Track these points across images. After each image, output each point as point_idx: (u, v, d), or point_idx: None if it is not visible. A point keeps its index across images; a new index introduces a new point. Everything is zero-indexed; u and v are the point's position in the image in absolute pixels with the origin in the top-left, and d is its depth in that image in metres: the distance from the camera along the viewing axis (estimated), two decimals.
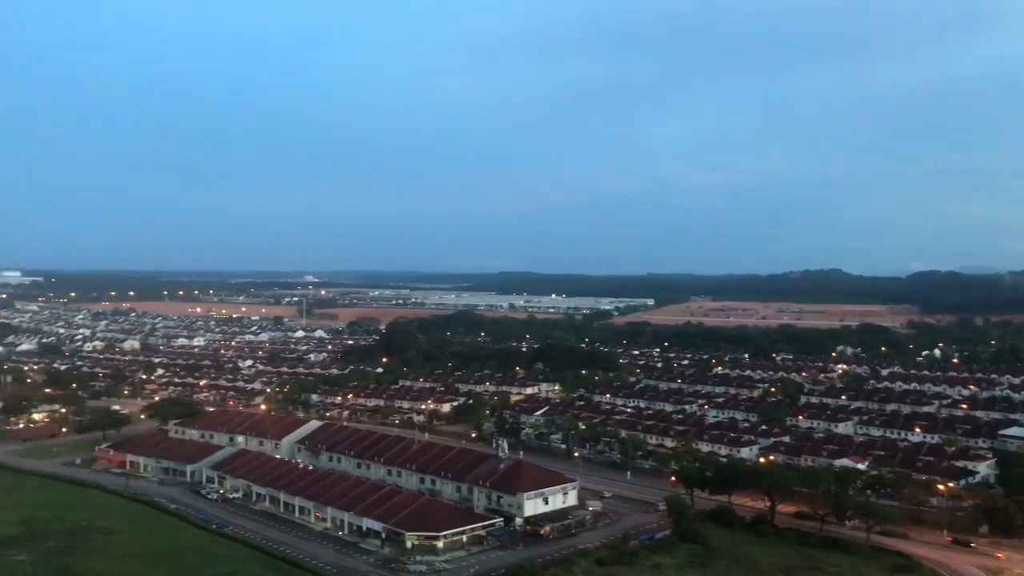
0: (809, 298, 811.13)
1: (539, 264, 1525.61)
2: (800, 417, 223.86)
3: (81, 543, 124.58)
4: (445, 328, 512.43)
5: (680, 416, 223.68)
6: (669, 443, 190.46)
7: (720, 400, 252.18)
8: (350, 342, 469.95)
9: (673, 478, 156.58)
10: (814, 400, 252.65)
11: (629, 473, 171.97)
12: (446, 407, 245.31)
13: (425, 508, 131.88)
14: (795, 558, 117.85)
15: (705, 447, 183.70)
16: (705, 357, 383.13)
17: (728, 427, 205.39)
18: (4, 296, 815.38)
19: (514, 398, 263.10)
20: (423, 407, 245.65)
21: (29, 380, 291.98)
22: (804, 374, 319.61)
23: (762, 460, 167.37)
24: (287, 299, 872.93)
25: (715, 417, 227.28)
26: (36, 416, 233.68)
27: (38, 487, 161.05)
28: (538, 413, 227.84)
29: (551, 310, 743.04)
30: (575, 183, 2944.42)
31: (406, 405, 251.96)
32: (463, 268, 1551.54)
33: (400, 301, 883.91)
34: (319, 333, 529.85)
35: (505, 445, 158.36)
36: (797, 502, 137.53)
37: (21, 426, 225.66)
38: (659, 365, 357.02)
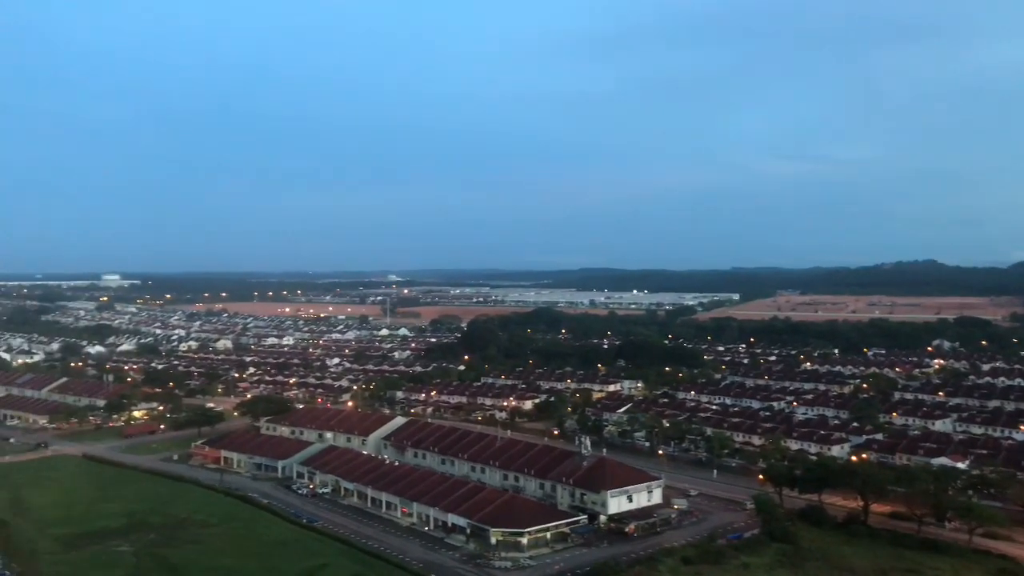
0: (902, 290, 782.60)
1: (620, 260, 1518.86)
2: (894, 414, 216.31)
3: (179, 535, 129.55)
4: (526, 325, 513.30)
5: (767, 413, 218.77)
6: (756, 441, 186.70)
7: (809, 397, 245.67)
8: (432, 340, 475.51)
9: (761, 476, 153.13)
10: (909, 396, 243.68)
11: (715, 471, 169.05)
12: (528, 404, 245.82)
13: (509, 504, 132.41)
14: (891, 560, 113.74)
15: (794, 445, 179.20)
16: (793, 353, 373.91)
17: (818, 424, 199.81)
18: (105, 299, 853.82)
19: (596, 395, 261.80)
20: (505, 404, 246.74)
21: (129, 379, 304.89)
22: (898, 369, 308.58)
23: (854, 458, 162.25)
24: (371, 298, 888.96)
25: (804, 414, 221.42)
26: (136, 414, 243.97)
27: (139, 481, 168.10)
28: (621, 410, 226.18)
29: (632, 306, 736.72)
30: (657, 177, 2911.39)
31: (488, 402, 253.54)
32: (543, 265, 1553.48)
33: (481, 299, 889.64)
34: (402, 331, 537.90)
35: (588, 442, 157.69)
36: (892, 502, 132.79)
37: (123, 423, 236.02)
38: (745, 361, 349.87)
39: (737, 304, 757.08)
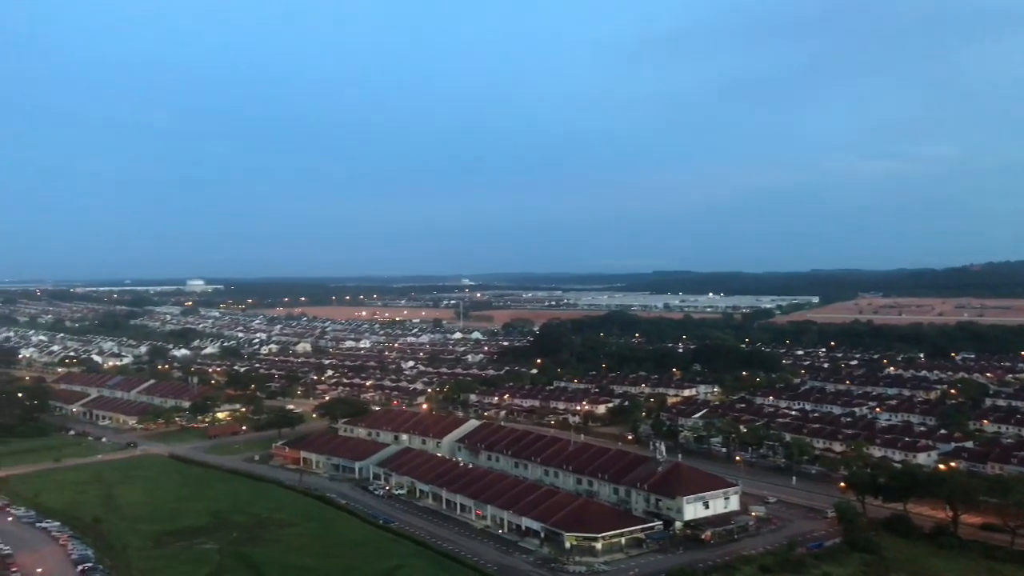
0: (993, 292, 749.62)
1: (695, 262, 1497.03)
2: (985, 421, 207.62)
3: (261, 534, 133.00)
4: (599, 329, 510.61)
5: (849, 419, 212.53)
6: (837, 447, 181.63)
7: (893, 402, 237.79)
8: (505, 343, 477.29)
9: (842, 484, 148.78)
10: (1001, 403, 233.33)
11: (794, 478, 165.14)
12: (601, 408, 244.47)
13: (583, 509, 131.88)
14: (982, 572, 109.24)
15: (877, 452, 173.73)
16: (875, 357, 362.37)
17: (902, 431, 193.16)
18: (190, 303, 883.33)
19: (671, 400, 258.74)
20: (578, 408, 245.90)
21: (213, 381, 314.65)
22: (989, 375, 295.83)
23: (942, 466, 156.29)
24: (445, 302, 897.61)
25: (887, 420, 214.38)
26: (220, 415, 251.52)
27: (222, 481, 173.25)
28: (696, 415, 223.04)
29: (708, 309, 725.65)
30: (731, 178, 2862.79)
31: (561, 406, 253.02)
32: (616, 268, 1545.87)
33: (553, 302, 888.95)
34: (475, 335, 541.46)
35: (663, 447, 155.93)
36: (984, 512, 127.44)
37: (207, 424, 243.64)
38: (825, 366, 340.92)
39: (816, 307, 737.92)
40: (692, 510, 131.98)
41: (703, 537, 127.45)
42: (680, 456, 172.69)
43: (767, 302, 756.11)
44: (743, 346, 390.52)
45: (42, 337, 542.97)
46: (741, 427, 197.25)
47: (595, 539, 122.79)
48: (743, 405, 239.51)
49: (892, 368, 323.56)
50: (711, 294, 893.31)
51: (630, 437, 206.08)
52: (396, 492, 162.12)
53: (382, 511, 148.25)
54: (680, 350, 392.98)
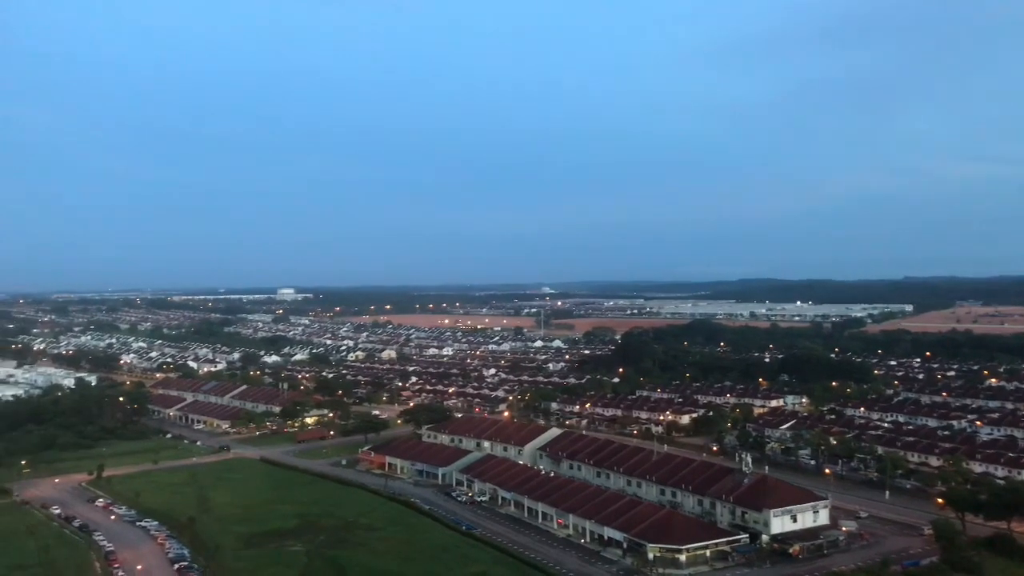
0: None
1: (781, 270, 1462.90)
2: None
3: (347, 538, 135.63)
4: (682, 338, 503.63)
5: (946, 432, 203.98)
6: (934, 462, 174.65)
7: (995, 416, 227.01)
8: (586, 352, 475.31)
9: (940, 500, 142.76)
10: None
11: (887, 493, 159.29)
12: (685, 418, 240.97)
13: (667, 520, 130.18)
14: None
15: (977, 467, 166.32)
16: (975, 368, 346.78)
17: (1006, 445, 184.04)
18: (281, 311, 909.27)
19: (757, 410, 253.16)
20: (661, 418, 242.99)
21: (302, 387, 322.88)
22: None
23: None
24: (526, 310, 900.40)
25: (989, 434, 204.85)
26: (308, 420, 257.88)
27: (310, 484, 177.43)
28: (784, 427, 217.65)
29: (796, 318, 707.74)
30: (820, 183, 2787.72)
31: (643, 415, 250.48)
32: (699, 276, 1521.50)
33: (635, 311, 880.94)
34: (556, 343, 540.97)
35: (749, 459, 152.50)
36: None
37: (296, 429, 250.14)
38: (920, 377, 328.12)
39: (910, 315, 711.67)
40: (779, 523, 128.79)
41: (791, 551, 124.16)
42: (766, 468, 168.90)
43: (858, 310, 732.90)
44: (832, 356, 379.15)
45: (142, 344, 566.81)
46: (831, 439, 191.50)
47: (679, 551, 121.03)
48: (833, 416, 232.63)
49: (994, 380, 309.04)
50: (799, 302, 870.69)
51: (715, 448, 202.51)
52: (478, 499, 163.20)
53: (465, 517, 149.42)
54: (767, 360, 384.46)
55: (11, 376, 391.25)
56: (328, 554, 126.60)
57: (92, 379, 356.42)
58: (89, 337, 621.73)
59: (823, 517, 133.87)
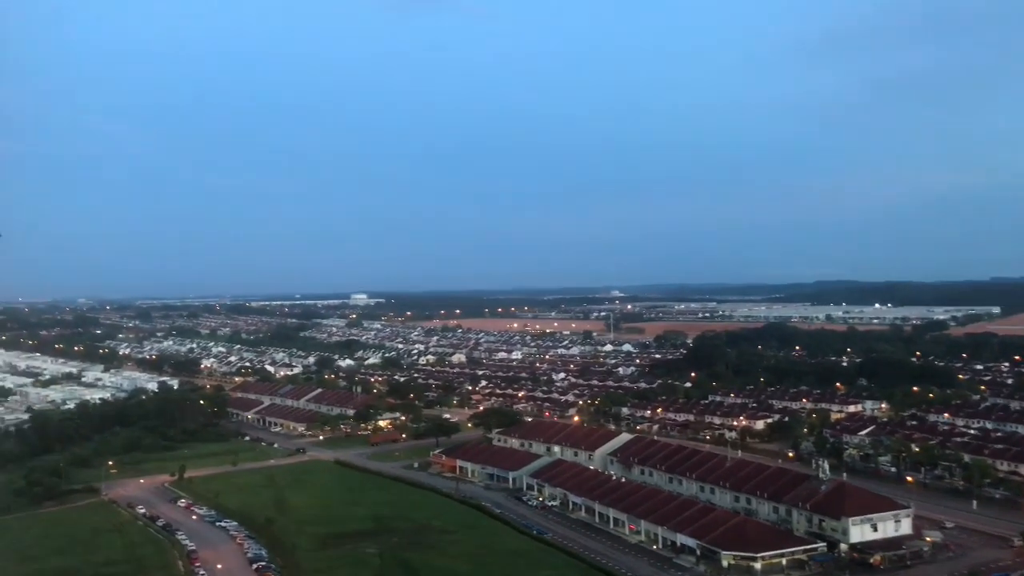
0: None
1: (859, 271, 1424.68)
2: None
3: (420, 540, 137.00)
4: (756, 341, 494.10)
5: None
6: None
7: None
8: (657, 356, 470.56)
9: None
10: None
11: (975, 502, 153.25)
12: (759, 424, 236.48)
13: (741, 527, 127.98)
14: None
15: None
16: None
17: None
18: (354, 316, 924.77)
19: (834, 416, 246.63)
20: (735, 423, 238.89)
21: (375, 390, 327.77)
22: None
23: None
24: (595, 314, 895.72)
25: None
26: (381, 423, 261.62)
27: (383, 487, 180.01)
28: (863, 432, 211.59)
29: (874, 321, 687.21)
30: (899, 182, 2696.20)
31: (716, 421, 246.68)
32: (774, 278, 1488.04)
33: (707, 314, 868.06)
34: (626, 347, 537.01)
35: (826, 466, 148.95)
36: None
37: (369, 431, 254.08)
38: (1009, 381, 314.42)
39: (998, 318, 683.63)
40: (859, 532, 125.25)
41: (871, 561, 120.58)
42: (845, 475, 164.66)
43: (940, 313, 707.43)
44: (914, 360, 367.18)
45: (221, 348, 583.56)
46: (913, 446, 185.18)
47: (754, 559, 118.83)
48: (915, 422, 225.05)
49: None
50: (877, 304, 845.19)
51: (790, 454, 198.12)
52: (549, 503, 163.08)
53: (536, 522, 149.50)
54: (844, 364, 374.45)
55: (99, 380, 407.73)
56: (402, 556, 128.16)
57: (174, 383, 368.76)
58: (171, 342, 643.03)
59: (906, 527, 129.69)
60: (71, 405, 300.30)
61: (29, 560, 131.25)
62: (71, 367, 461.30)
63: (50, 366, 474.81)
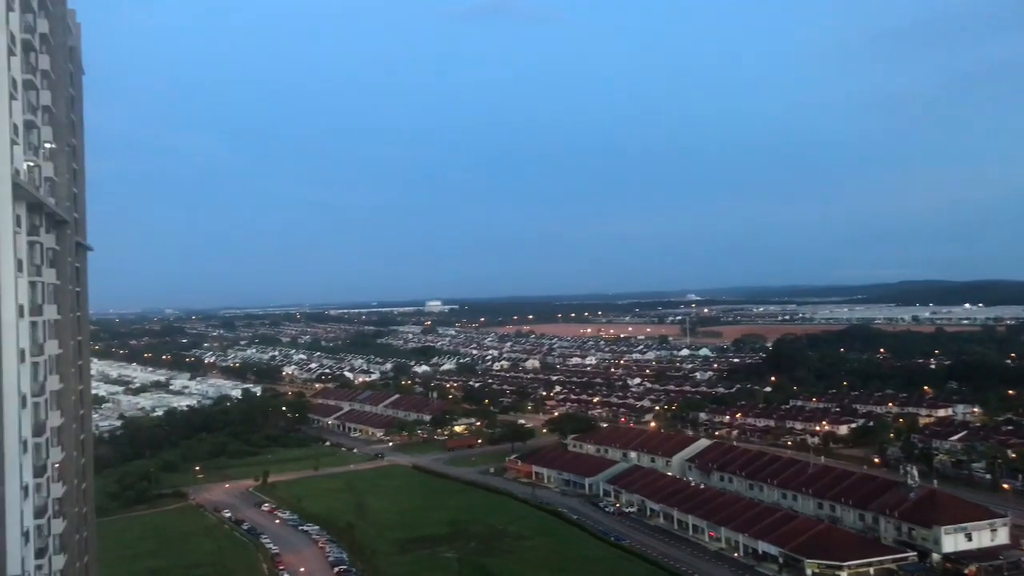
0: None
1: (947, 270, 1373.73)
2: None
3: (497, 545, 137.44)
4: (838, 344, 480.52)
5: None
6: None
7: None
8: (735, 360, 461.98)
9: None
10: None
11: None
12: (843, 429, 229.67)
13: (826, 535, 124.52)
14: None
15: None
16: None
17: None
18: (429, 323, 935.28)
19: (923, 420, 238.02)
20: (817, 429, 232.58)
21: (451, 396, 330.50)
22: None
23: None
24: (671, 318, 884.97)
25: None
26: (457, 428, 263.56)
27: (460, 492, 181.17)
28: (954, 438, 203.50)
29: (964, 322, 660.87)
30: (989, 176, 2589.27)
31: (798, 426, 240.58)
32: (856, 279, 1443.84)
33: (787, 317, 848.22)
34: (703, 351, 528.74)
35: (915, 472, 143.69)
36: None
37: (445, 437, 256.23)
38: None
39: None
40: (952, 542, 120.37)
41: (966, 572, 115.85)
42: (935, 482, 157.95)
43: None
44: (1008, 362, 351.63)
45: (302, 356, 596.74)
46: (1009, 452, 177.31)
47: (840, 567, 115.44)
48: (1011, 427, 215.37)
49: None
50: (967, 304, 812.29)
51: (876, 460, 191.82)
52: (626, 509, 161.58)
53: (613, 528, 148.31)
54: (932, 366, 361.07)
55: (186, 387, 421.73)
56: (479, 561, 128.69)
57: (257, 390, 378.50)
58: (254, 350, 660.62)
59: (1002, 536, 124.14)
60: (160, 412, 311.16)
61: (124, 561, 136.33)
62: (159, 375, 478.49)
63: (140, 374, 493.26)
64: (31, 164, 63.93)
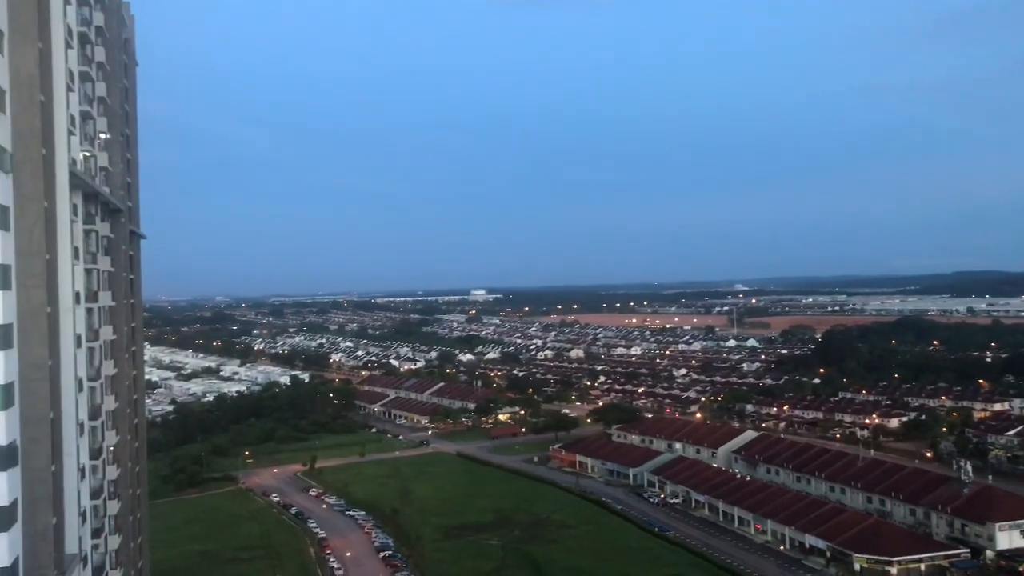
0: None
1: (1003, 260, 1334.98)
2: None
3: (540, 534, 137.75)
4: (889, 336, 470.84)
5: None
6: None
7: None
8: (783, 351, 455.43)
9: None
10: None
11: None
12: (894, 422, 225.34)
13: (875, 529, 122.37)
14: None
15: None
16: None
17: None
18: (473, 312, 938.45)
19: (977, 414, 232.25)
20: (867, 421, 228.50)
21: (495, 385, 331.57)
22: None
23: None
24: (717, 308, 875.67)
25: None
26: (501, 417, 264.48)
27: (504, 480, 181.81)
28: (1010, 432, 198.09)
29: (1022, 313, 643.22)
30: None
31: (847, 419, 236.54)
32: (909, 269, 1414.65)
33: (836, 308, 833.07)
34: (751, 342, 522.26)
35: (969, 467, 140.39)
36: None
37: (490, 425, 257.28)
38: None
39: None
40: (1007, 539, 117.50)
41: (1020, 570, 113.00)
42: (989, 477, 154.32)
43: None
44: None
45: (349, 343, 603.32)
46: None
47: (889, 563, 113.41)
48: None
49: None
50: None
51: (928, 455, 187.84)
52: (671, 500, 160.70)
53: (657, 519, 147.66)
54: (988, 359, 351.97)
55: (236, 374, 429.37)
56: (523, 549, 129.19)
57: (305, 376, 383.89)
58: (302, 337, 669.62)
59: None
60: (210, 398, 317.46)
61: (176, 543, 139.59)
62: (210, 362, 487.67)
63: (191, 361, 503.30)
64: (87, 154, 65.47)
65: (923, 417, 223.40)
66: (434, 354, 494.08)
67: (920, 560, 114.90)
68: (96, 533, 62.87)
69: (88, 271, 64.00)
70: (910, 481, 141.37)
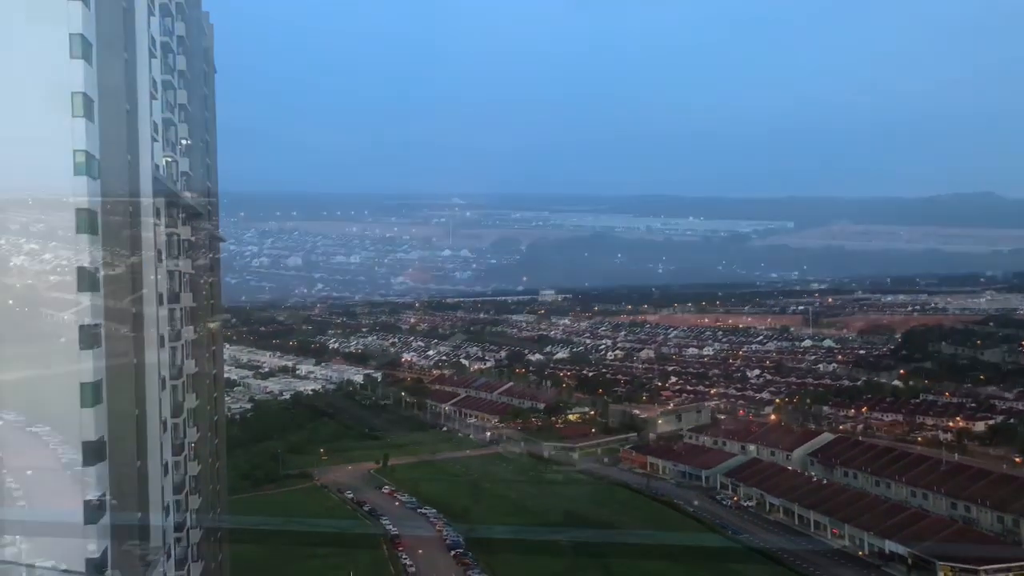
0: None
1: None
2: None
3: (611, 535, 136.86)
4: (974, 336, 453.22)
5: None
6: None
7: None
8: (861, 352, 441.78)
9: None
10: None
11: None
12: (980, 425, 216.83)
13: (960, 536, 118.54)
14: None
15: None
16: None
17: None
18: (542, 311, 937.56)
19: None
20: (950, 424, 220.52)
21: (564, 385, 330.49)
22: None
23: None
24: (792, 308, 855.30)
25: None
26: (571, 417, 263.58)
27: (574, 481, 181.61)
28: None
29: None
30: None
31: (929, 421, 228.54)
32: (1002, 265, 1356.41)
33: (917, 307, 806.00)
34: (827, 342, 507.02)
35: None
36: None
37: (559, 425, 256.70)
38: None
39: None
40: None
41: None
42: None
43: None
44: None
45: (420, 343, 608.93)
46: None
47: (975, 572, 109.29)
48: None
49: None
50: None
51: (1018, 460, 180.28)
52: (744, 503, 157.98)
53: (730, 522, 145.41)
54: None
55: (311, 372, 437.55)
56: (593, 549, 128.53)
57: (378, 375, 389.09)
58: (375, 337, 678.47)
59: None
60: (287, 396, 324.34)
61: None
62: (287, 360, 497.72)
63: (268, 359, 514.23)
64: (169, 160, 67.89)
65: (1011, 420, 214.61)
66: (503, 354, 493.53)
67: (1009, 569, 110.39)
68: (179, 527, 65.08)
69: (171, 273, 66.32)
70: (998, 487, 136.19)
